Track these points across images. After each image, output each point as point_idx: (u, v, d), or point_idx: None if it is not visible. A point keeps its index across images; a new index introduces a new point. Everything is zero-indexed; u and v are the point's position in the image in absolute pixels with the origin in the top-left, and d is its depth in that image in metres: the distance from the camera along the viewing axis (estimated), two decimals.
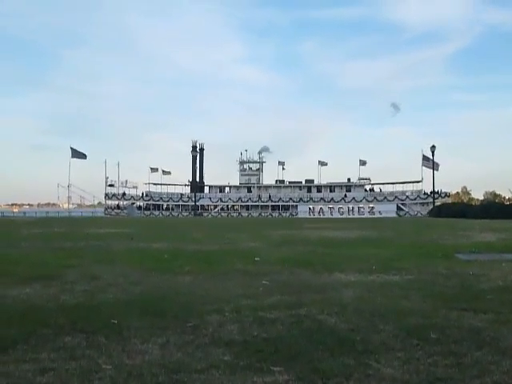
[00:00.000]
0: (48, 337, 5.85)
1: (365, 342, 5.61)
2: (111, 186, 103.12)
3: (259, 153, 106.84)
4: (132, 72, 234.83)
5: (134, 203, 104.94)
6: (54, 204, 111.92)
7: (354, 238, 23.59)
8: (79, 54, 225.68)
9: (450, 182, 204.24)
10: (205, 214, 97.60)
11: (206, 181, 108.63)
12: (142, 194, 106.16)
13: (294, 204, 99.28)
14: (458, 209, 64.06)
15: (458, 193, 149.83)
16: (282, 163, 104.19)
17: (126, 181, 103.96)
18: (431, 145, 75.10)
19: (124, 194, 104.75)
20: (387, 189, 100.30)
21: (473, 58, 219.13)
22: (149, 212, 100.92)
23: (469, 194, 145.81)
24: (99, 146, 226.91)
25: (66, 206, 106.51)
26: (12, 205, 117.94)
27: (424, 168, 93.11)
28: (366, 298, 8.25)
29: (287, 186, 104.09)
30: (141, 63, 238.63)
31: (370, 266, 11.97)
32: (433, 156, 74.71)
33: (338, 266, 12.11)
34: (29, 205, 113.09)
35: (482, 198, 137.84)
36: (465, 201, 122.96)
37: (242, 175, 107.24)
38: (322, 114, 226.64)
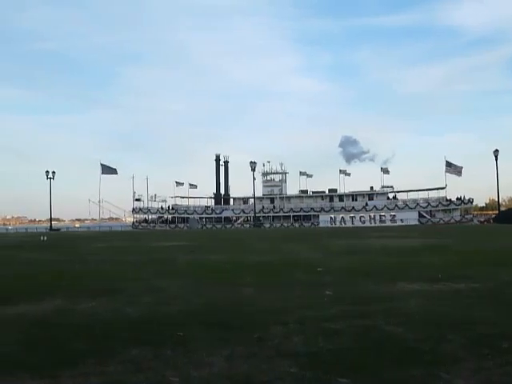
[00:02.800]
0: (115, 350, 5.93)
1: (433, 353, 5.49)
2: (138, 200, 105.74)
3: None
4: (187, 86, 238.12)
5: (161, 217, 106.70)
6: (116, 219, 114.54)
7: (416, 246, 23.16)
8: (133, 71, 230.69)
9: (508, 187, 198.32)
10: (228, 226, 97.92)
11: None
12: (168, 207, 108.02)
13: (316, 214, 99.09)
14: None
15: None
16: (304, 173, 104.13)
17: (155, 195, 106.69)
18: (493, 149, 73.30)
19: (149, 208, 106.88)
20: (411, 196, 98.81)
21: None
22: (174, 225, 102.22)
23: None
24: (154, 161, 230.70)
25: (129, 219, 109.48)
26: (76, 220, 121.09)
27: (448, 174, 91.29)
28: (432, 308, 8.08)
29: (309, 196, 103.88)
30: (195, 77, 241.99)
31: (435, 275, 11.71)
32: (496, 161, 72.84)
33: (402, 275, 11.91)
34: (92, 219, 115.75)
35: None
36: None
37: (264, 186, 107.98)
38: (378, 122, 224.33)
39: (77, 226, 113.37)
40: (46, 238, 41.17)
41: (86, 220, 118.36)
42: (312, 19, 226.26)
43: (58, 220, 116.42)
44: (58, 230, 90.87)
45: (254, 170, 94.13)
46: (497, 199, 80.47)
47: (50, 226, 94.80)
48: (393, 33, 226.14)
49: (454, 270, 12.66)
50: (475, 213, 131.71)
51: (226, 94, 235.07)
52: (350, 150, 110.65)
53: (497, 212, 79.74)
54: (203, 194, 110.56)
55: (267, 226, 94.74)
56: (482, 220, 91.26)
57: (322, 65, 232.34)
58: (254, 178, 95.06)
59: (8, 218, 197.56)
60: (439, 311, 7.77)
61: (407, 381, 4.67)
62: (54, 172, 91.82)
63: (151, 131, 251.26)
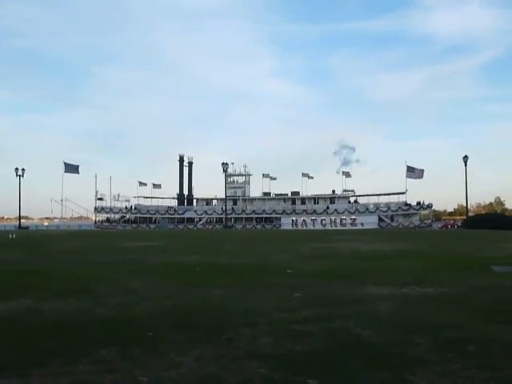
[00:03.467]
0: (84, 350, 5.91)
1: (401, 356, 5.56)
2: (100, 199, 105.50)
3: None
4: (163, 88, 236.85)
5: (124, 217, 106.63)
6: (86, 217, 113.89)
7: (386, 250, 23.34)
8: (109, 71, 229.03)
9: (482, 192, 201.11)
10: (190, 227, 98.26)
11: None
12: (131, 207, 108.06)
13: (278, 216, 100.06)
14: (492, 219, 63.07)
15: (491, 203, 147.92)
16: (267, 175, 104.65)
17: (118, 194, 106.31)
18: (463, 155, 74.24)
19: (111, 208, 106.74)
20: (373, 200, 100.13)
21: (504, 69, 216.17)
22: (136, 225, 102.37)
23: (502, 204, 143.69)
24: (129, 162, 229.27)
25: (94, 218, 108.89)
26: (45, 218, 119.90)
27: (409, 180, 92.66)
28: (400, 311, 8.17)
29: (272, 199, 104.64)
30: (171, 79, 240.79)
31: (404, 279, 11.84)
32: (465, 167, 73.75)
33: (371, 279, 12.01)
34: (61, 218, 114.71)
35: None
36: (498, 211, 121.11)
37: (228, 188, 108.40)
38: (352, 128, 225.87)
39: (45, 224, 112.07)
40: (14, 236, 40.63)
41: (55, 218, 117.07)
42: (288, 24, 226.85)
43: (26, 218, 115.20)
44: (26, 228, 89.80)
45: (225, 171, 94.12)
46: (465, 205, 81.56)
47: (19, 224, 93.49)
48: (368, 39, 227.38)
49: (422, 275, 12.80)
50: (443, 218, 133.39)
51: (201, 96, 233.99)
52: (346, 156, 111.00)
53: (465, 217, 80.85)
54: (169, 195, 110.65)
55: (240, 227, 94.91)
56: (441, 226, 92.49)
57: (296, 69, 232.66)
58: (225, 180, 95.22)
59: None
60: (407, 315, 7.87)
61: (375, 383, 4.73)
62: (23, 169, 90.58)
63: (125, 132, 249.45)
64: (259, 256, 20.52)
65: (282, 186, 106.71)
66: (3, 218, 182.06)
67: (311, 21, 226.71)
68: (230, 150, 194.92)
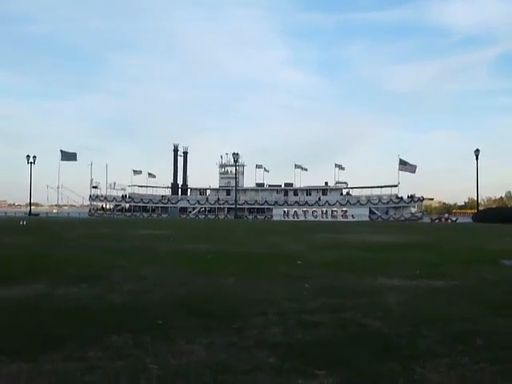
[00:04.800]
0: (95, 336, 5.95)
1: (410, 348, 5.57)
2: (95, 187, 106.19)
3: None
4: (177, 75, 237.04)
5: (118, 205, 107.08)
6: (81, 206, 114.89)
7: (396, 242, 23.36)
8: (125, 57, 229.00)
9: (493, 186, 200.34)
10: (183, 216, 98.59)
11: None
12: (125, 195, 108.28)
13: (270, 207, 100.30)
14: (503, 213, 62.79)
15: (501, 197, 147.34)
16: (259, 166, 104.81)
17: (115, 183, 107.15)
18: (475, 148, 73.92)
19: (105, 196, 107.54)
20: (365, 193, 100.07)
21: None
22: (130, 213, 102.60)
23: None
24: (141, 148, 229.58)
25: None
26: (55, 205, 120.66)
27: (401, 172, 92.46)
28: (410, 303, 8.18)
29: (265, 190, 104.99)
30: (186, 67, 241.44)
31: (414, 271, 11.84)
32: (477, 160, 73.46)
33: (382, 271, 12.02)
34: (70, 205, 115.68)
35: None
36: (509, 206, 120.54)
37: (221, 178, 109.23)
38: (366, 118, 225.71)
39: (54, 211, 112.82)
40: (25, 222, 40.91)
41: (65, 206, 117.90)
42: (303, 13, 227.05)
43: (37, 205, 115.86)
44: (37, 215, 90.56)
45: (236, 161, 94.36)
46: (476, 199, 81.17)
47: (30, 210, 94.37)
48: (383, 29, 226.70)
49: (432, 267, 12.80)
50: (454, 211, 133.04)
51: (215, 84, 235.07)
52: None
53: (475, 211, 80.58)
54: (164, 184, 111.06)
55: (221, 217, 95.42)
56: (434, 218, 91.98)
57: (310, 58, 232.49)
58: (236, 170, 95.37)
59: None
60: (417, 307, 7.87)
61: (383, 374, 4.75)
62: (34, 157, 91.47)
63: (138, 119, 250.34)
64: (270, 246, 20.59)
65: (287, 177, 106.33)
66: (14, 204, 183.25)
67: (326, 10, 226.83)
68: (239, 138, 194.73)
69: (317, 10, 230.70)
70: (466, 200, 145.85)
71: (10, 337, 5.94)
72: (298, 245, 21.00)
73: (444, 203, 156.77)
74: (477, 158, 73.55)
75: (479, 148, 73.90)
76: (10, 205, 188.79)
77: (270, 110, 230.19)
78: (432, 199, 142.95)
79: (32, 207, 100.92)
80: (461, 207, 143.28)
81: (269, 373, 4.76)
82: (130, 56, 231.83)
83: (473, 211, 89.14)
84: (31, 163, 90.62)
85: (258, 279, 10.71)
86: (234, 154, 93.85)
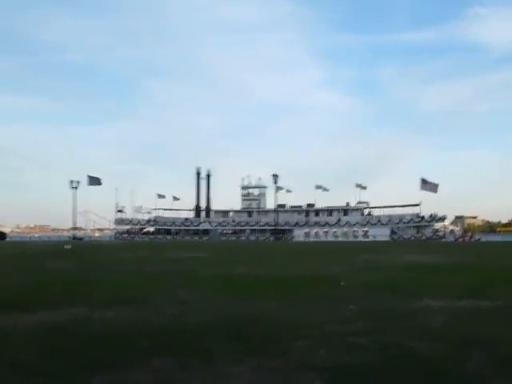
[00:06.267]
0: (137, 359, 5.98)
1: (457, 371, 5.46)
2: (120, 211, 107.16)
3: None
4: (208, 100, 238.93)
5: (142, 228, 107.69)
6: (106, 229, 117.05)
7: (439, 263, 23.02)
8: (157, 84, 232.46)
9: None
10: (204, 238, 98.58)
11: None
12: (150, 219, 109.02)
13: (291, 228, 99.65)
14: None
15: None
16: (280, 188, 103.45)
17: (141, 206, 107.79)
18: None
19: (130, 219, 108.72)
20: (387, 212, 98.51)
21: None
22: (153, 236, 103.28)
23: None
24: (171, 173, 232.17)
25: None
26: (97, 229, 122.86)
27: (424, 191, 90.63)
28: (455, 325, 8.04)
29: (286, 211, 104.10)
30: (218, 92, 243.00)
31: (459, 292, 11.64)
32: None
33: (426, 292, 11.83)
34: (111, 230, 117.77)
35: None
36: None
37: (243, 200, 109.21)
38: (400, 139, 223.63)
39: (97, 235, 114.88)
40: (70, 246, 41.60)
41: (106, 230, 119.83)
42: (335, 35, 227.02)
43: (80, 229, 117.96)
44: (80, 239, 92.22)
45: (275, 182, 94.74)
46: None
47: (74, 235, 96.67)
48: (416, 50, 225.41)
49: (478, 288, 12.57)
50: (498, 229, 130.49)
51: (247, 109, 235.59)
52: None
53: None
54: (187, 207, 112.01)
55: (243, 239, 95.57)
56: (458, 237, 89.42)
57: (345, 80, 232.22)
58: (276, 191, 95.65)
59: (31, 226, 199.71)
60: (462, 329, 7.73)
61: None
62: (78, 182, 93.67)
63: (169, 144, 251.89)
64: (310, 268, 20.47)
65: (313, 198, 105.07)
66: (56, 229, 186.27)
67: (359, 32, 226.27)
68: (268, 161, 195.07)
69: (349, 31, 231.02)
70: (511, 217, 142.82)
71: (53, 361, 6.01)
72: (336, 266, 20.84)
73: (487, 221, 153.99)
74: None
75: None
76: (53, 229, 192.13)
77: (300, 133, 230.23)
78: (475, 217, 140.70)
79: (75, 231, 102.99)
80: (505, 225, 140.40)
81: None
82: (163, 82, 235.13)
83: None
84: (75, 188, 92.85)
85: (300, 302, 10.65)
86: (273, 175, 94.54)
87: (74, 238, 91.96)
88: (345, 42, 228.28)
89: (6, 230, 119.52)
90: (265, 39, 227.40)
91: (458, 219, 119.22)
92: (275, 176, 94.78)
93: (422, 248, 41.72)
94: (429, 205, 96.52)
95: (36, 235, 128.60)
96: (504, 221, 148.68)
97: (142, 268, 20.39)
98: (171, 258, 27.82)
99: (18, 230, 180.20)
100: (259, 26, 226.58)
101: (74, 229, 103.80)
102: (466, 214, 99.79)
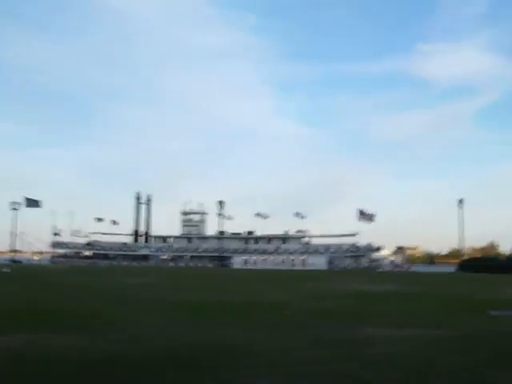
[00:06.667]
0: None
1: None
2: (56, 234, 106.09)
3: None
4: (169, 124, 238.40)
5: (79, 252, 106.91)
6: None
7: (378, 291, 23.34)
8: (119, 107, 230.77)
9: (478, 235, 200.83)
10: (143, 263, 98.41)
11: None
12: (87, 243, 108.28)
13: (230, 255, 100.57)
14: (487, 263, 63.18)
15: (484, 247, 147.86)
16: (221, 214, 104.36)
17: (79, 230, 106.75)
18: (459, 198, 74.78)
19: (66, 243, 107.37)
20: (324, 241, 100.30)
21: (502, 113, 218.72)
22: (91, 261, 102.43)
23: (496, 248, 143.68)
24: (128, 197, 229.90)
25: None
26: (37, 252, 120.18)
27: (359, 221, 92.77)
28: (401, 354, 8.05)
29: (226, 237, 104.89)
30: (178, 117, 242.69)
31: (403, 320, 11.78)
32: (461, 209, 74.26)
33: (371, 320, 11.95)
34: (51, 253, 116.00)
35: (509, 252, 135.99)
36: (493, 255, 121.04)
37: (184, 226, 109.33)
38: (351, 167, 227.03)
39: (36, 258, 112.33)
40: (9, 270, 40.56)
41: (46, 253, 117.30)
42: (290, 63, 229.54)
43: (19, 252, 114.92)
44: (19, 261, 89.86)
45: (222, 208, 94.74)
46: (459, 248, 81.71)
47: (12, 258, 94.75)
48: (370, 80, 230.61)
49: (423, 316, 12.76)
50: (437, 260, 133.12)
51: (204, 134, 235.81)
52: None
53: (457, 260, 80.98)
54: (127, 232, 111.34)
55: (182, 264, 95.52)
56: (394, 267, 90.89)
57: (298, 108, 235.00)
58: (223, 217, 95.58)
59: None
60: (408, 358, 7.73)
61: None
62: (19, 203, 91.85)
63: (130, 167, 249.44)
64: (254, 294, 20.50)
65: (272, 225, 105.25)
66: None
67: (314, 61, 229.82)
68: (218, 186, 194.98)
69: (304, 60, 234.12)
70: (450, 250, 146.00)
71: None
72: (281, 294, 20.89)
73: (427, 253, 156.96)
74: (461, 208, 74.39)
75: (464, 197, 75.08)
76: None
77: (255, 159, 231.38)
78: (415, 248, 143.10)
79: (13, 254, 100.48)
80: (445, 256, 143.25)
81: None
82: (125, 105, 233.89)
83: (455, 260, 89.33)
84: (16, 210, 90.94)
85: (245, 329, 10.61)
86: (219, 201, 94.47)
87: (13, 260, 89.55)
88: (299, 71, 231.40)
89: None
90: (225, 66, 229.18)
91: (399, 250, 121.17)
92: (221, 202, 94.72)
93: (362, 277, 42.31)
94: (371, 234, 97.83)
95: None
96: (444, 252, 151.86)
97: (92, 293, 20.05)
98: (123, 284, 27.43)
99: None
100: (221, 53, 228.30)
101: (13, 251, 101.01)
102: (407, 244, 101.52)
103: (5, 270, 40.22)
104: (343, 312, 13.73)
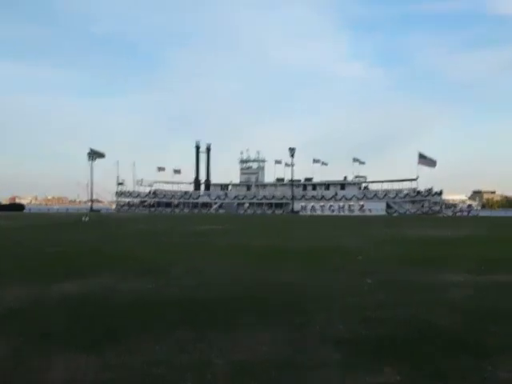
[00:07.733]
0: (159, 330, 6.03)
1: (478, 344, 5.43)
2: (121, 184, 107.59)
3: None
4: (233, 68, 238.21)
5: (143, 201, 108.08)
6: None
7: (456, 237, 22.90)
8: (184, 54, 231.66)
9: None
10: (203, 211, 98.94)
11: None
12: (150, 191, 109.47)
13: (287, 202, 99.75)
14: None
15: None
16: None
17: (142, 179, 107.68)
18: None
19: (130, 192, 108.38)
20: (384, 187, 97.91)
21: None
22: (154, 209, 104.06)
23: None
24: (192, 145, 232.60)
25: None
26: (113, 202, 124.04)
27: (420, 166, 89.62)
28: (475, 299, 7.98)
29: (284, 184, 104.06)
30: (243, 60, 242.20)
31: (478, 266, 11.57)
32: None
33: (445, 265, 11.80)
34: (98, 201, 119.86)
35: None
36: None
37: (242, 174, 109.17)
38: (425, 109, 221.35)
39: (113, 207, 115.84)
40: (87, 218, 41.95)
41: (111, 202, 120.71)
42: (363, 5, 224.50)
43: (97, 201, 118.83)
44: (98, 211, 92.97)
45: (292, 156, 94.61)
46: None
47: (91, 207, 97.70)
48: (445, 18, 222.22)
49: (497, 262, 12.51)
50: None
51: (271, 77, 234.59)
52: None
53: None
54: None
55: (241, 212, 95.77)
56: (456, 211, 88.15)
57: (370, 50, 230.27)
58: (292, 164, 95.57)
59: (49, 198, 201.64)
60: (482, 302, 7.67)
61: (451, 372, 4.64)
62: (96, 153, 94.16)
63: (195, 115, 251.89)
64: (326, 240, 20.51)
65: (330, 172, 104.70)
66: (75, 200, 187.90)
67: (385, 2, 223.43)
68: (293, 132, 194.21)
69: (374, 1, 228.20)
70: None
71: (78, 330, 6.07)
72: (350, 239, 20.86)
73: (506, 197, 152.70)
74: None
75: None
76: (70, 201, 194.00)
77: (324, 103, 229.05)
78: (493, 192, 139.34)
79: (92, 203, 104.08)
80: None
81: (334, 369, 4.71)
82: (188, 51, 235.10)
83: None
84: (92, 160, 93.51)
85: (318, 274, 10.67)
86: (290, 148, 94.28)
87: (92, 210, 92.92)
88: (369, 12, 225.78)
89: (24, 201, 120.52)
90: (291, 7, 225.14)
91: (476, 194, 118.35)
92: (291, 149, 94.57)
93: (426, 222, 41.63)
94: (441, 180, 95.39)
95: (54, 207, 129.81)
96: None
97: (164, 239, 20.57)
98: (193, 231, 27.98)
99: (35, 202, 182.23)
100: None
101: (92, 201, 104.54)
102: (483, 188, 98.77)
103: (84, 218, 41.62)
104: (416, 258, 13.60)
